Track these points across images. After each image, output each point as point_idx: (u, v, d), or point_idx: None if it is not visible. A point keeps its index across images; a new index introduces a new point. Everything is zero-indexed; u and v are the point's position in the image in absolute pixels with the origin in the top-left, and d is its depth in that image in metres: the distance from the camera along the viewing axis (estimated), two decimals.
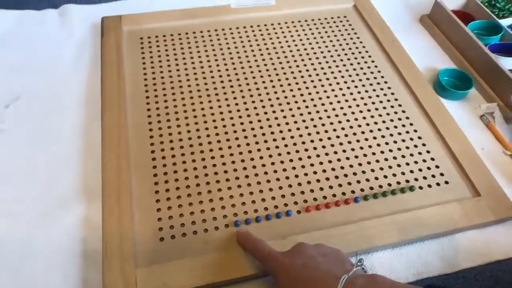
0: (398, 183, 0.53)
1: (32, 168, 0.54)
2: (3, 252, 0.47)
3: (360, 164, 0.55)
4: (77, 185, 0.53)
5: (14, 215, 0.50)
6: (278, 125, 0.59)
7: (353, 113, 0.61)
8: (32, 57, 0.68)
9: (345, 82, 0.66)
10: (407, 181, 0.54)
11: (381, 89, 0.65)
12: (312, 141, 0.57)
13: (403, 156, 0.56)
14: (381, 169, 0.55)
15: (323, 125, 0.59)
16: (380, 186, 0.53)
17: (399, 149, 0.57)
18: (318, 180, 0.53)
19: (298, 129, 0.59)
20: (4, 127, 0.59)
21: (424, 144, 0.58)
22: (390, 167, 0.55)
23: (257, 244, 0.44)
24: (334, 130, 0.59)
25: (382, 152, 0.57)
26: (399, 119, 0.61)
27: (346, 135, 0.58)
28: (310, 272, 0.38)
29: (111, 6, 0.78)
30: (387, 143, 0.58)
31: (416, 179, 0.54)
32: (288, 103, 0.62)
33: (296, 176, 0.53)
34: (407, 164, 0.55)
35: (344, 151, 0.56)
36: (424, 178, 0.54)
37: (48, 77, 0.66)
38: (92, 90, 0.63)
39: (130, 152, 0.54)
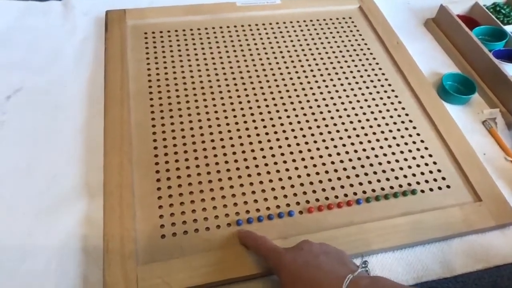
0: (400, 186, 0.54)
1: (33, 164, 0.54)
2: (3, 249, 0.46)
3: (362, 166, 0.55)
4: (79, 181, 0.52)
5: (14, 211, 0.50)
6: (282, 124, 0.59)
7: (356, 114, 0.61)
8: (35, 49, 0.68)
9: (349, 84, 0.66)
10: (409, 184, 0.54)
11: (385, 91, 0.65)
12: (315, 141, 0.57)
13: (405, 159, 0.56)
14: (384, 171, 0.55)
15: (326, 125, 0.59)
16: (382, 189, 0.53)
17: (401, 152, 0.57)
18: (320, 181, 0.53)
19: (301, 129, 0.59)
20: (5, 118, 0.58)
21: (426, 148, 0.58)
22: (392, 170, 0.55)
23: (259, 241, 0.44)
24: (337, 131, 0.59)
25: (384, 154, 0.57)
26: (402, 122, 0.61)
27: (349, 137, 0.58)
28: (313, 271, 0.38)
29: None
30: (390, 146, 0.58)
31: (418, 183, 0.54)
32: (291, 103, 0.62)
33: (299, 176, 0.53)
34: (409, 167, 0.56)
35: (347, 152, 0.56)
36: (426, 181, 0.54)
37: (50, 70, 0.65)
38: (95, 84, 0.63)
39: (133, 149, 0.54)
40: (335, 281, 0.36)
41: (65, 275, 0.45)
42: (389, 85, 0.66)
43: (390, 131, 0.60)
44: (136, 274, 0.43)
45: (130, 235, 0.46)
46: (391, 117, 0.62)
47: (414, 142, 0.59)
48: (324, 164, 0.55)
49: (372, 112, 0.62)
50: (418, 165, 0.56)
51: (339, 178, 0.54)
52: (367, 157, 0.56)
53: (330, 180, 0.54)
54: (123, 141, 0.54)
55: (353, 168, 0.55)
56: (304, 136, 0.58)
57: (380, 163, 0.56)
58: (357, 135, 0.59)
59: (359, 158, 0.56)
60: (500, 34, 0.71)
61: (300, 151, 0.56)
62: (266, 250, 0.43)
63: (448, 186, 0.54)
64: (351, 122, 0.60)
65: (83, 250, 0.47)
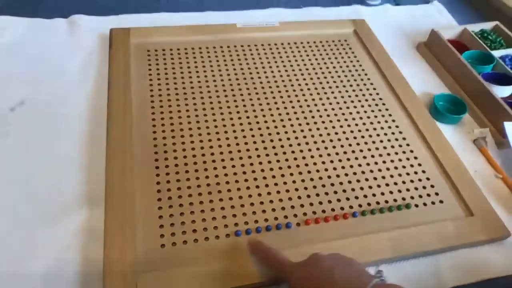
0: (395, 200, 0.55)
1: (36, 174, 0.54)
2: (3, 256, 0.47)
3: (358, 181, 0.57)
4: (80, 191, 0.53)
5: (16, 220, 0.50)
6: (280, 140, 0.61)
7: (352, 131, 0.63)
8: (40, 65, 0.69)
9: (345, 102, 0.68)
10: (404, 198, 0.55)
11: (379, 110, 0.67)
12: (312, 156, 0.59)
13: (399, 175, 0.58)
14: (379, 186, 0.56)
15: (323, 142, 0.61)
16: (378, 203, 0.55)
17: (396, 168, 0.59)
18: (317, 194, 0.55)
19: (299, 144, 0.60)
20: (9, 130, 0.59)
21: (420, 164, 0.60)
22: (387, 184, 0.57)
23: (269, 252, 0.44)
24: (334, 147, 0.61)
25: (379, 170, 0.58)
26: (396, 139, 0.63)
27: (345, 152, 0.60)
28: (328, 286, 0.38)
29: (120, 18, 0.80)
30: (384, 162, 0.60)
31: (412, 197, 0.56)
32: (289, 119, 0.64)
33: (296, 189, 0.55)
34: (404, 182, 0.57)
35: (343, 167, 0.58)
36: (420, 196, 0.56)
37: (55, 84, 0.66)
38: (98, 98, 0.64)
39: (134, 160, 0.55)
40: None
41: (65, 284, 0.45)
42: (383, 104, 0.68)
43: (385, 148, 0.62)
44: (136, 283, 0.43)
45: (130, 245, 0.47)
46: (386, 134, 0.64)
47: (408, 159, 0.60)
48: (321, 178, 0.57)
49: (367, 130, 0.64)
50: (412, 181, 0.58)
51: (335, 192, 0.55)
52: (363, 172, 0.58)
53: (327, 193, 0.55)
54: (125, 153, 0.55)
55: (349, 182, 0.57)
56: (301, 151, 0.60)
57: (375, 178, 0.57)
58: (353, 151, 0.61)
59: (355, 173, 0.58)
60: (488, 58, 0.74)
61: (298, 165, 0.58)
62: (277, 264, 0.42)
63: (441, 201, 0.56)
64: (347, 139, 0.62)
65: (83, 259, 0.47)
